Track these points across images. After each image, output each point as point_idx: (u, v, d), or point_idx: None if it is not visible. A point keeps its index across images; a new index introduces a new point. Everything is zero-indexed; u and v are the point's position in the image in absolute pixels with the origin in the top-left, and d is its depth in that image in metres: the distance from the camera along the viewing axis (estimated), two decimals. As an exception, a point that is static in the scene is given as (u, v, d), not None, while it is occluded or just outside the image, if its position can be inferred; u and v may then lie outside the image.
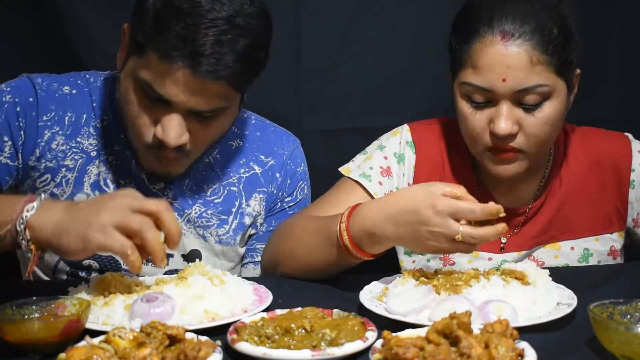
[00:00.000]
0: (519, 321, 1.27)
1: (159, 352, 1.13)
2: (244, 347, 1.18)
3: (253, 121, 1.85)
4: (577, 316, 1.33)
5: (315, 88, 2.24)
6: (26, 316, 1.25)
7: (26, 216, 1.31)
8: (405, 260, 1.81)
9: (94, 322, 1.29)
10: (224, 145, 1.78)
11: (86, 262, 1.71)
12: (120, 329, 1.14)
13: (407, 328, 1.24)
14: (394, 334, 1.16)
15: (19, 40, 2.16)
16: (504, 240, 1.76)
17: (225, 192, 1.77)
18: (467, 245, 1.40)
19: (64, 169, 1.68)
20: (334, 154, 1.94)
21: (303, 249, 1.60)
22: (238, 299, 1.38)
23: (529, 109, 1.58)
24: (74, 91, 1.71)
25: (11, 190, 1.69)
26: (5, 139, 1.65)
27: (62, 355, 1.10)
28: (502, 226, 1.39)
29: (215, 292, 1.36)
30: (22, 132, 1.65)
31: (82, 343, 1.15)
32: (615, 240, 1.78)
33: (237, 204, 1.78)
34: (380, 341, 1.17)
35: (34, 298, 1.27)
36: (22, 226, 1.31)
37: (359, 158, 1.82)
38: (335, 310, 1.32)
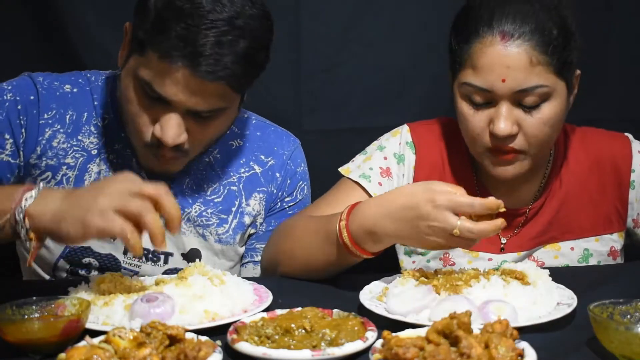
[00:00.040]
0: (519, 321, 1.27)
1: (159, 352, 1.13)
2: (244, 347, 1.18)
3: (253, 121, 1.85)
4: (577, 316, 1.33)
5: (315, 88, 2.24)
6: (26, 316, 1.26)
7: (25, 205, 1.31)
8: (405, 261, 1.81)
9: (94, 322, 1.29)
10: (224, 144, 1.79)
11: (86, 260, 1.71)
12: (120, 329, 1.14)
13: (407, 328, 1.24)
14: (394, 334, 1.16)
15: (19, 40, 2.17)
16: (503, 240, 1.76)
17: (225, 191, 1.77)
18: (466, 241, 1.39)
19: (64, 167, 1.69)
20: (334, 154, 1.94)
21: (303, 249, 1.60)
22: (238, 299, 1.38)
23: (529, 109, 1.58)
24: (75, 90, 1.72)
25: None
26: (7, 136, 1.65)
27: (62, 355, 1.10)
28: (500, 221, 1.38)
29: (215, 292, 1.36)
30: (23, 130, 1.66)
31: (82, 343, 1.15)
32: (615, 240, 1.78)
33: (237, 203, 1.78)
34: (380, 341, 1.17)
35: (34, 298, 1.28)
36: (21, 215, 1.30)
37: (358, 158, 1.82)
38: (335, 310, 1.32)
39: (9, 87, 1.68)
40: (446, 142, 1.79)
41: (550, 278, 1.43)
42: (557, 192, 1.76)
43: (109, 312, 1.31)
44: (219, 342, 1.18)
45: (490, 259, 1.76)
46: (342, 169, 1.80)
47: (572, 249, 1.77)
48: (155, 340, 1.14)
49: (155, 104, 1.54)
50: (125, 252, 1.72)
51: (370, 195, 1.73)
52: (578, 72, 1.66)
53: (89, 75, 1.76)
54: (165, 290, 1.35)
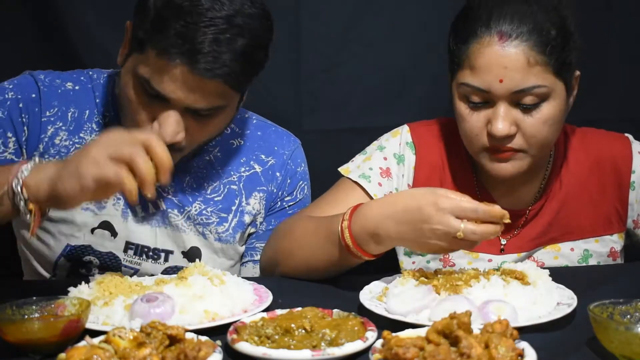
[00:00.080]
0: (519, 321, 1.27)
1: (159, 352, 1.13)
2: (244, 347, 1.18)
3: (254, 121, 1.86)
4: (577, 316, 1.33)
5: (315, 88, 2.24)
6: (26, 316, 1.26)
7: (22, 176, 1.31)
8: (405, 261, 1.81)
9: (94, 322, 1.29)
10: (224, 143, 1.79)
11: (86, 258, 1.72)
12: (120, 329, 1.14)
13: (407, 328, 1.24)
14: (394, 334, 1.16)
15: (19, 40, 2.17)
16: (503, 241, 1.76)
17: (226, 190, 1.78)
18: (469, 243, 1.40)
19: None
20: (334, 154, 1.94)
21: (303, 249, 1.60)
22: (238, 299, 1.38)
23: (527, 109, 1.58)
24: (76, 87, 1.73)
25: None
26: (9, 135, 1.66)
27: (62, 355, 1.10)
28: (506, 219, 1.38)
29: (215, 292, 1.36)
30: (25, 128, 1.67)
31: (82, 343, 1.15)
32: (615, 241, 1.78)
33: (237, 202, 1.78)
34: (380, 341, 1.17)
35: (34, 298, 1.28)
36: (18, 187, 1.31)
37: (358, 158, 1.82)
38: (335, 310, 1.32)
39: (10, 86, 1.68)
40: (446, 142, 1.79)
41: (550, 278, 1.43)
42: (557, 193, 1.76)
43: (109, 312, 1.31)
44: (219, 342, 1.18)
45: (490, 260, 1.76)
46: (342, 169, 1.80)
47: (572, 249, 1.77)
48: (155, 340, 1.14)
49: (154, 101, 1.55)
50: (125, 250, 1.72)
51: (369, 196, 1.73)
52: (578, 73, 1.66)
53: (90, 73, 1.76)
54: (165, 290, 1.35)
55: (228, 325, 1.27)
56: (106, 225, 1.71)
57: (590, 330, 1.20)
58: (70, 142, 1.69)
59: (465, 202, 1.38)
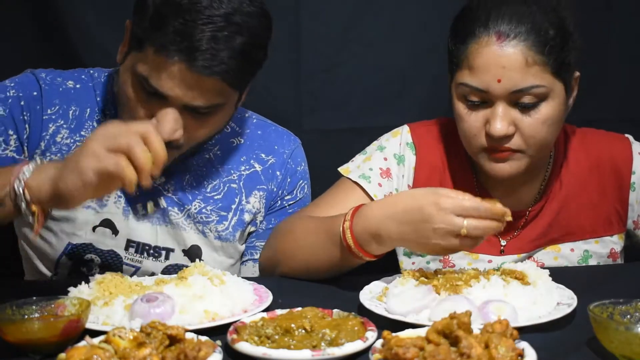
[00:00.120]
0: (519, 321, 1.27)
1: (159, 352, 1.13)
2: (244, 347, 1.18)
3: (254, 120, 1.86)
4: (577, 316, 1.33)
5: (315, 88, 2.24)
6: (26, 316, 1.26)
7: (23, 177, 1.31)
8: (404, 262, 1.81)
9: (94, 322, 1.29)
10: (225, 142, 1.80)
11: (88, 256, 1.72)
12: (120, 329, 1.14)
13: (407, 328, 1.24)
14: (394, 334, 1.16)
15: (19, 40, 2.17)
16: (503, 242, 1.76)
17: (226, 188, 1.78)
18: (470, 242, 1.39)
19: None
20: (334, 154, 1.94)
21: (303, 249, 1.60)
22: (238, 299, 1.38)
23: (526, 110, 1.58)
24: (77, 86, 1.73)
25: None
26: (11, 132, 1.66)
27: (62, 355, 1.10)
28: (507, 217, 1.38)
29: (215, 292, 1.36)
30: (26, 126, 1.67)
31: (82, 343, 1.15)
32: (615, 242, 1.78)
33: (237, 200, 1.78)
34: (380, 341, 1.17)
35: (34, 298, 1.28)
36: (20, 188, 1.31)
37: (358, 158, 1.82)
38: (335, 310, 1.32)
39: (12, 84, 1.69)
40: (447, 143, 1.79)
41: (550, 278, 1.43)
42: (557, 193, 1.76)
43: (109, 312, 1.31)
44: (219, 342, 1.18)
45: (490, 261, 1.75)
46: (342, 169, 1.80)
47: (572, 250, 1.77)
48: (155, 340, 1.14)
49: (152, 99, 1.55)
50: (126, 248, 1.72)
51: (369, 196, 1.73)
52: (577, 73, 1.66)
53: (91, 71, 1.77)
54: (165, 290, 1.35)
55: (228, 325, 1.27)
56: (107, 223, 1.72)
57: (590, 330, 1.20)
58: (72, 140, 1.70)
59: (467, 200, 1.38)
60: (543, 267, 1.69)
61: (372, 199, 1.71)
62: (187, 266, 1.52)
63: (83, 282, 1.43)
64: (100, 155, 1.26)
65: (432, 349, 1.08)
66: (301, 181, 1.85)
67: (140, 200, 1.57)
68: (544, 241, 1.76)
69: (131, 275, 1.72)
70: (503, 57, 1.55)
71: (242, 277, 1.53)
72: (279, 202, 1.83)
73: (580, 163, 1.77)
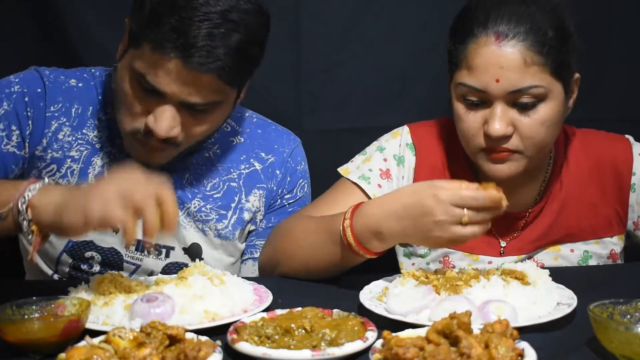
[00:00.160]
0: (519, 321, 1.27)
1: (159, 352, 1.13)
2: (244, 347, 1.18)
3: (254, 119, 1.86)
4: (577, 316, 1.33)
5: (315, 88, 2.24)
6: (26, 316, 1.26)
7: (28, 195, 1.32)
8: (404, 263, 1.81)
9: (94, 322, 1.29)
10: (224, 141, 1.80)
11: (88, 254, 1.73)
12: (120, 329, 1.14)
13: (407, 328, 1.24)
14: (394, 334, 1.16)
15: (19, 40, 2.17)
16: (503, 244, 1.76)
17: (225, 187, 1.78)
18: (475, 227, 1.40)
19: (69, 160, 1.70)
20: (334, 154, 1.94)
21: (303, 249, 1.60)
22: (238, 299, 1.38)
23: (524, 110, 1.57)
24: (80, 84, 1.74)
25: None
26: (13, 127, 1.67)
27: (62, 355, 1.10)
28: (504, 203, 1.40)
29: (215, 292, 1.36)
30: (29, 122, 1.68)
31: (82, 343, 1.15)
32: (615, 243, 1.78)
33: (236, 199, 1.79)
34: (380, 341, 1.17)
35: (34, 298, 1.28)
36: (24, 205, 1.31)
37: (358, 159, 1.82)
38: (335, 310, 1.32)
39: (17, 80, 1.70)
40: (447, 143, 1.79)
41: (550, 278, 1.43)
42: (557, 195, 1.76)
43: (109, 312, 1.31)
44: (219, 342, 1.18)
45: (490, 262, 1.75)
46: (341, 169, 1.80)
47: (572, 251, 1.76)
48: (155, 340, 1.14)
49: (149, 96, 1.56)
50: (126, 246, 1.73)
51: (369, 197, 1.73)
52: (577, 75, 1.65)
53: (93, 70, 1.78)
54: (165, 290, 1.35)
55: (228, 325, 1.27)
56: None
57: (590, 330, 1.20)
58: (73, 138, 1.71)
59: (465, 190, 1.39)
60: (543, 267, 1.69)
61: (371, 200, 1.71)
62: (187, 264, 1.52)
63: (83, 282, 1.43)
64: (110, 205, 1.26)
65: (432, 349, 1.08)
66: (301, 180, 1.86)
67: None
68: (544, 242, 1.76)
69: (131, 273, 1.73)
70: (501, 57, 1.55)
71: (242, 277, 1.53)
72: (279, 201, 1.83)
73: (580, 164, 1.76)
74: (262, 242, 1.79)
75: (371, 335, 1.21)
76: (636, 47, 2.28)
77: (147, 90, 1.55)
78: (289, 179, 1.84)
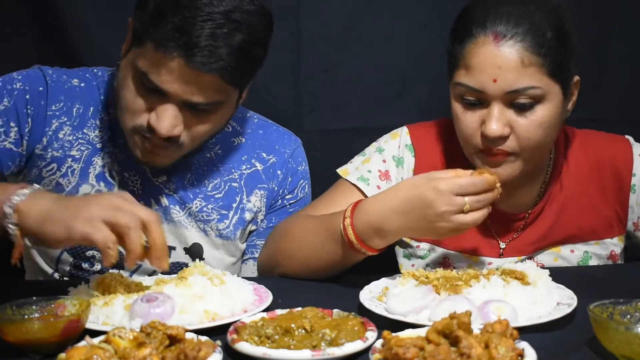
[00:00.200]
0: (519, 321, 1.27)
1: (159, 352, 1.13)
2: (244, 347, 1.18)
3: (255, 120, 1.87)
4: (577, 316, 1.33)
5: (315, 88, 2.24)
6: (26, 316, 1.26)
7: (16, 200, 1.32)
8: (404, 264, 1.81)
9: (94, 322, 1.29)
10: (226, 141, 1.80)
11: (89, 252, 1.73)
12: (120, 329, 1.14)
13: (407, 328, 1.24)
14: (394, 334, 1.16)
15: (19, 40, 2.17)
16: (502, 245, 1.76)
17: (226, 187, 1.78)
18: (474, 215, 1.42)
19: (70, 159, 1.71)
20: (334, 154, 1.94)
21: (303, 249, 1.60)
22: (238, 299, 1.38)
23: (521, 111, 1.57)
24: (82, 84, 1.75)
25: (13, 178, 1.71)
26: (12, 124, 1.67)
27: (62, 355, 1.10)
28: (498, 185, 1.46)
29: (215, 292, 1.36)
30: (29, 120, 1.68)
31: (82, 343, 1.15)
32: (615, 244, 1.78)
33: (237, 199, 1.79)
34: (380, 341, 1.17)
35: (34, 298, 1.28)
36: (10, 209, 1.31)
37: (357, 160, 1.82)
38: (335, 310, 1.32)
39: (19, 77, 1.70)
40: (446, 144, 1.79)
41: (550, 278, 1.43)
42: (557, 196, 1.75)
43: (109, 312, 1.31)
44: (219, 342, 1.18)
45: (490, 263, 1.75)
46: (340, 170, 1.80)
47: (572, 251, 1.76)
48: (155, 340, 1.14)
49: (152, 95, 1.56)
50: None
51: (368, 198, 1.73)
52: (577, 78, 1.64)
53: (95, 70, 1.78)
54: (165, 290, 1.35)
55: (228, 325, 1.27)
56: None
57: (590, 330, 1.20)
58: (74, 137, 1.71)
59: (462, 178, 1.42)
60: (543, 267, 1.69)
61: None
62: (188, 264, 1.52)
63: (83, 282, 1.43)
64: (94, 223, 1.27)
65: (432, 349, 1.08)
66: (302, 181, 1.86)
67: (140, 201, 1.57)
68: (544, 244, 1.76)
69: (132, 272, 1.73)
70: (499, 57, 1.54)
71: (242, 277, 1.54)
72: (280, 201, 1.84)
73: (580, 165, 1.76)
74: (263, 242, 1.79)
75: (371, 335, 1.21)
76: (636, 47, 2.28)
77: (150, 89, 1.55)
78: (290, 179, 1.84)
